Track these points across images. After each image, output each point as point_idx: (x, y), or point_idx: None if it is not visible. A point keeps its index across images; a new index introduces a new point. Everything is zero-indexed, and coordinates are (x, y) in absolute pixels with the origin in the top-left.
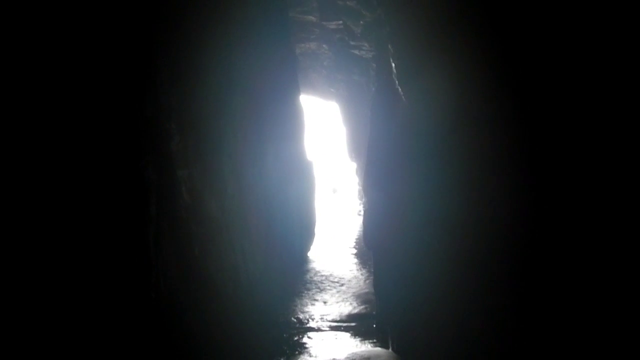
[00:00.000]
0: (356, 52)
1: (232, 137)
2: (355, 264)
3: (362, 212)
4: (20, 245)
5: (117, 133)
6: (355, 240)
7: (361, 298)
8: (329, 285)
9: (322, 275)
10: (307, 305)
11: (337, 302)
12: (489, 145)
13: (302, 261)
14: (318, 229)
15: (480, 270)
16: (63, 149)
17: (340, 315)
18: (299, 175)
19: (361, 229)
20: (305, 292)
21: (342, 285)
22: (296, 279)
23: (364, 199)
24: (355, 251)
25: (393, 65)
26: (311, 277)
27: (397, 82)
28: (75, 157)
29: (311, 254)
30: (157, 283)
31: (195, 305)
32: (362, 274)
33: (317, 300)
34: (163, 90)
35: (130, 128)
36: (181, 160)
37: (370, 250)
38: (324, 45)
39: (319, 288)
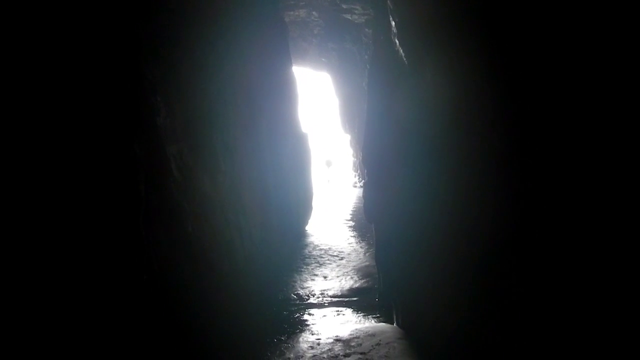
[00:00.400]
0: (348, 16)
1: (222, 111)
2: (354, 236)
3: (357, 184)
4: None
5: (99, 109)
6: (351, 213)
7: (362, 271)
8: (328, 260)
9: (321, 249)
10: (306, 280)
11: (338, 277)
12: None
13: (300, 235)
14: (315, 203)
15: (481, 250)
16: (39, 125)
17: (341, 290)
18: (294, 148)
19: (357, 201)
20: (305, 267)
21: (341, 259)
22: (295, 254)
23: (363, 171)
24: (352, 224)
25: (393, 23)
26: (310, 252)
27: (397, 43)
28: (54, 134)
29: (309, 228)
30: (149, 263)
31: (191, 284)
32: (361, 247)
33: (316, 275)
34: (146, 62)
35: (112, 103)
36: (169, 136)
37: (371, 223)
38: (313, 13)
39: (318, 262)
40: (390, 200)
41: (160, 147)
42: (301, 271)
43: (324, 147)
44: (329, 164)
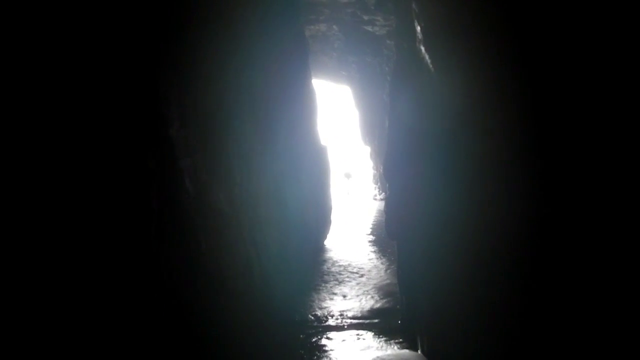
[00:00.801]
0: (369, 28)
1: (238, 122)
2: (374, 252)
3: (377, 197)
4: (17, 241)
5: (113, 121)
6: (372, 226)
7: (383, 290)
8: (347, 277)
9: (340, 266)
10: (325, 300)
11: (358, 296)
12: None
13: (318, 250)
14: (334, 216)
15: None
16: (52, 137)
17: (361, 311)
18: (313, 161)
19: (378, 215)
20: (323, 285)
21: (361, 276)
22: (313, 271)
23: (385, 185)
24: (372, 238)
25: (418, 29)
26: (329, 268)
27: (422, 49)
28: (67, 147)
29: (328, 243)
30: (161, 281)
31: (204, 302)
32: (382, 263)
33: (335, 294)
34: (161, 73)
35: (126, 116)
36: (183, 148)
37: (393, 239)
38: (334, 27)
39: (337, 280)
40: (414, 216)
41: (174, 160)
42: (319, 289)
43: (344, 159)
44: (348, 176)
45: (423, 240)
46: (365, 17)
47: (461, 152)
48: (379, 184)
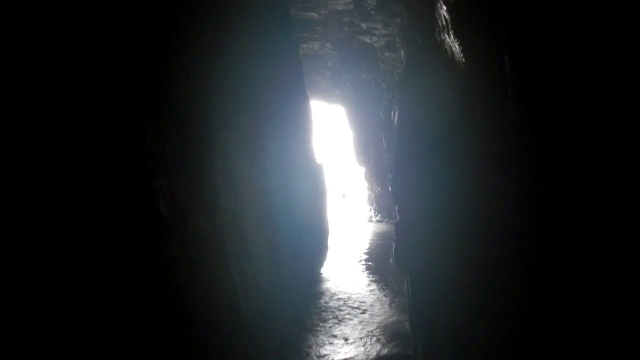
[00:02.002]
0: (366, 39)
1: (225, 137)
2: (375, 281)
3: (372, 219)
4: None
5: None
6: (368, 251)
7: (389, 331)
8: (348, 314)
9: (338, 299)
10: (324, 344)
11: (361, 338)
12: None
13: (314, 280)
14: (330, 240)
15: None
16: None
17: (367, 359)
18: (308, 180)
19: (375, 238)
20: (321, 324)
21: (363, 312)
22: (309, 305)
23: (380, 205)
24: (371, 264)
25: (443, 11)
26: (326, 302)
27: (451, 34)
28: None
29: (325, 271)
30: (124, 330)
31: (182, 353)
32: (384, 296)
33: (335, 336)
34: (134, 75)
35: (85, 124)
36: (157, 165)
37: (404, 272)
38: (327, 44)
39: (336, 318)
40: (431, 245)
41: (147, 179)
42: (317, 331)
43: (339, 179)
44: (343, 196)
45: (443, 273)
46: (364, 26)
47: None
48: (374, 205)
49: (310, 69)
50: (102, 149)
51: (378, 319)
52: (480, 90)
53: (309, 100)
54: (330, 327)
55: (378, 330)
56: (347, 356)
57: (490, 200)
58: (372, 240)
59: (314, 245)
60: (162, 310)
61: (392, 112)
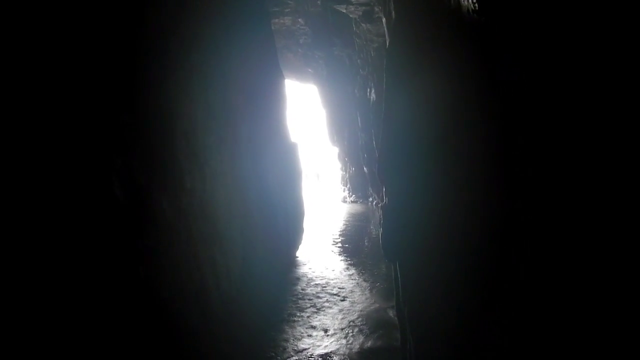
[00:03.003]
0: (342, 8)
1: (189, 113)
2: (353, 265)
3: (347, 199)
4: None
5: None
6: (345, 233)
7: (372, 319)
8: (327, 301)
9: (316, 285)
10: (302, 337)
11: (342, 329)
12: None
13: (290, 264)
14: (306, 222)
15: None
16: None
17: (350, 354)
18: (282, 160)
19: (351, 219)
20: (298, 313)
21: (343, 299)
22: (285, 293)
23: (355, 186)
24: (348, 246)
25: None
26: (303, 289)
27: None
28: None
29: (300, 254)
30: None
31: (146, 348)
32: (364, 281)
33: (314, 327)
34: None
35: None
36: (111, 143)
37: (392, 260)
38: (299, 20)
39: (315, 306)
40: (423, 231)
41: (102, 159)
42: (294, 321)
43: (313, 160)
44: (318, 177)
45: (437, 261)
46: None
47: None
48: (348, 185)
49: (282, 46)
50: (40, 124)
51: (359, 307)
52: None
53: (283, 76)
54: (308, 316)
55: (360, 319)
56: (328, 350)
57: (478, 187)
58: (347, 221)
59: (289, 228)
60: (119, 305)
61: (368, 90)
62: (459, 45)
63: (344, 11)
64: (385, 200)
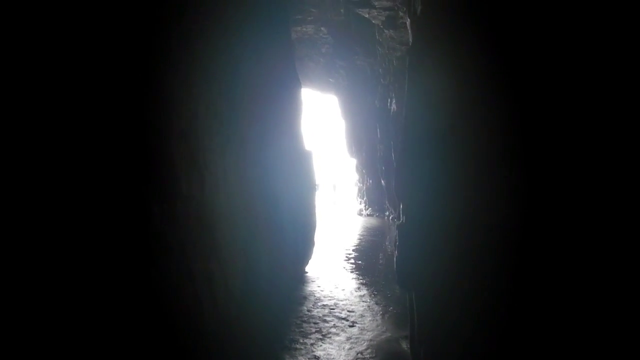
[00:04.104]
0: (365, 13)
1: (189, 110)
2: (365, 284)
3: (363, 212)
4: None
5: None
6: (358, 249)
7: (383, 351)
8: (334, 326)
9: (323, 306)
10: None
11: None
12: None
13: (298, 281)
14: (317, 235)
15: None
16: None
17: None
18: (294, 168)
19: (365, 233)
20: (301, 340)
21: (352, 325)
22: (289, 314)
23: (371, 198)
24: (360, 262)
25: None
26: (309, 310)
27: None
28: None
29: (310, 270)
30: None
31: None
32: (376, 304)
33: (318, 358)
34: None
35: None
36: (96, 139)
37: (408, 289)
38: (322, 28)
39: (320, 332)
40: (451, 259)
41: (81, 156)
42: (295, 349)
43: (329, 170)
44: (334, 187)
45: (463, 297)
46: None
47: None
48: (365, 198)
49: (304, 55)
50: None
51: (369, 335)
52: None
53: (300, 83)
54: (312, 344)
55: (369, 350)
56: None
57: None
58: (362, 235)
59: (298, 241)
60: (100, 320)
61: (389, 100)
62: (491, 42)
63: (367, 16)
64: (402, 219)
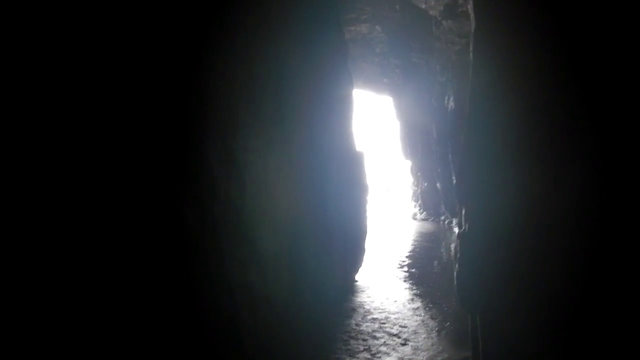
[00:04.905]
0: (421, 3)
1: (229, 106)
2: (418, 296)
3: (417, 216)
4: None
5: None
6: (412, 256)
7: None
8: (384, 344)
9: (373, 320)
10: None
11: None
12: None
13: (346, 291)
14: (368, 241)
15: None
16: None
17: None
18: (344, 170)
19: (420, 238)
20: (347, 359)
21: (404, 343)
22: (335, 327)
23: (426, 202)
24: (413, 271)
25: None
26: (358, 325)
27: None
28: None
29: (360, 278)
30: None
31: None
32: (431, 318)
33: None
34: None
35: None
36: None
37: (472, 311)
38: (377, 27)
39: (369, 350)
40: (528, 275)
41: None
42: None
43: (382, 172)
44: (387, 190)
45: (541, 321)
46: None
47: None
48: (419, 201)
49: (358, 55)
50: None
51: (423, 356)
52: None
53: (352, 82)
54: None
55: None
56: None
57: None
58: (415, 241)
59: (347, 248)
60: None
61: (447, 98)
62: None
63: (424, 6)
64: (464, 226)
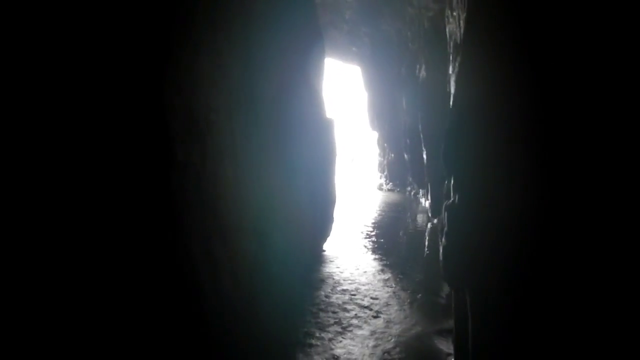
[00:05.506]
0: None
1: (188, 66)
2: (388, 266)
3: (383, 187)
4: None
5: None
6: (379, 225)
7: (414, 350)
8: (356, 316)
9: (343, 291)
10: None
11: None
12: None
13: (315, 261)
14: (336, 210)
15: None
16: None
17: None
18: (313, 137)
19: (387, 209)
20: (318, 334)
21: (376, 315)
22: (305, 300)
23: (392, 173)
24: (382, 240)
25: None
26: (328, 296)
27: None
28: None
29: (328, 248)
30: None
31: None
32: (402, 289)
33: (337, 358)
34: None
35: None
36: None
37: (457, 287)
38: None
39: (340, 323)
40: (517, 248)
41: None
42: (311, 346)
43: (349, 143)
44: (352, 160)
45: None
46: None
47: None
48: (386, 172)
49: (327, 22)
50: None
51: (397, 329)
52: None
53: (322, 43)
54: (330, 339)
55: (398, 349)
56: None
57: None
58: (383, 211)
59: (316, 217)
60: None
61: (418, 67)
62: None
63: None
64: (453, 198)
